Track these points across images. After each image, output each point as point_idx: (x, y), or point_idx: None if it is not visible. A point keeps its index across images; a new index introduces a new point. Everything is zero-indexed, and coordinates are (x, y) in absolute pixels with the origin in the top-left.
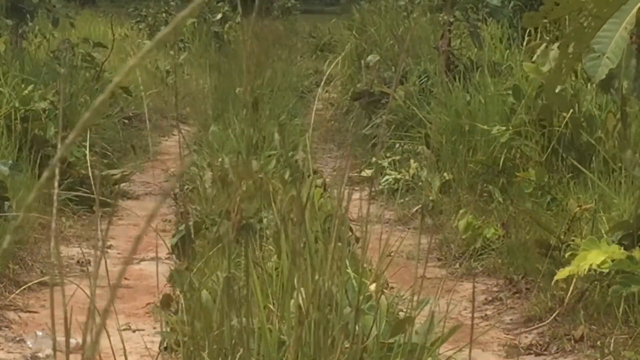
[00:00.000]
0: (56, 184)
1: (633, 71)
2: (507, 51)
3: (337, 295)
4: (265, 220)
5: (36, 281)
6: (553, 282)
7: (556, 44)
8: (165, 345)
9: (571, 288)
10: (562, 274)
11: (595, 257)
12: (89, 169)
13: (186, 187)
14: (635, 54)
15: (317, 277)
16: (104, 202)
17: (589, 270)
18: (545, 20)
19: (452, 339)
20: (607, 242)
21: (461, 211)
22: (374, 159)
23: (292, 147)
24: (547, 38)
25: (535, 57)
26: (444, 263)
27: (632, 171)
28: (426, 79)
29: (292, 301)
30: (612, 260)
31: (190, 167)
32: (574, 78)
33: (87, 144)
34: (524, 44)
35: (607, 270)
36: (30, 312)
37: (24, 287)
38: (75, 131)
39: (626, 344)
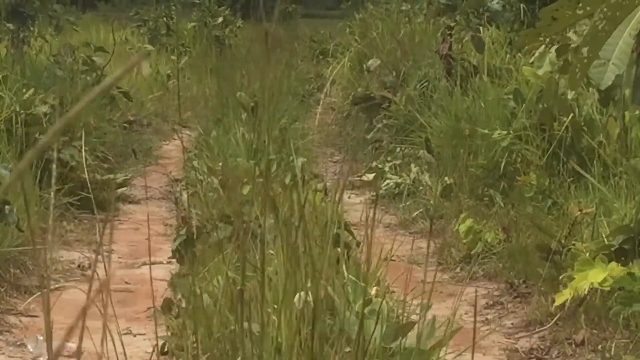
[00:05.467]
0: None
1: (634, 79)
2: (508, 55)
3: (337, 299)
4: (265, 225)
5: (41, 291)
6: (553, 308)
7: (554, 47)
8: (166, 349)
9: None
10: (561, 298)
11: (595, 275)
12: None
13: (187, 191)
14: (637, 62)
15: (316, 281)
16: (104, 206)
17: (589, 287)
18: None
19: (453, 343)
20: (601, 260)
21: (462, 215)
22: (374, 163)
23: (292, 151)
24: (547, 40)
25: (532, 59)
26: (445, 267)
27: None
28: (427, 83)
29: (293, 305)
30: (613, 278)
31: (191, 172)
32: None
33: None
34: (525, 47)
35: (608, 289)
36: (31, 316)
37: (32, 296)
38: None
39: (627, 348)
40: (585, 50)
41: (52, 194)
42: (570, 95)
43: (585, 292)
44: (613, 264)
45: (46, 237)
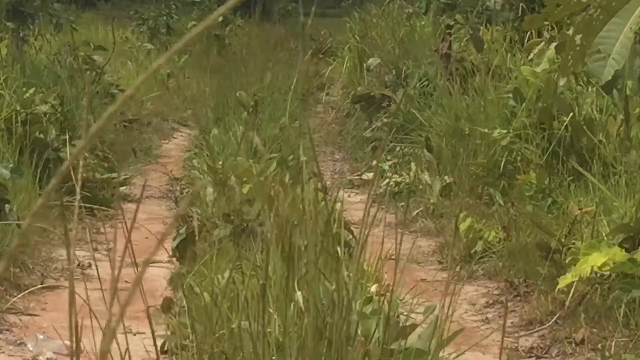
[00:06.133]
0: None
1: (638, 71)
2: (508, 54)
3: (337, 298)
4: (266, 224)
5: (40, 286)
6: (556, 290)
7: (554, 44)
8: (165, 348)
9: (572, 291)
10: (564, 281)
11: (596, 259)
12: (94, 172)
13: (187, 190)
14: None
15: (316, 280)
16: (104, 205)
17: (591, 272)
18: (547, 23)
19: (453, 342)
20: (607, 245)
21: (462, 214)
22: (374, 162)
23: (292, 150)
24: (547, 36)
25: (531, 56)
26: (445, 266)
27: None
28: (427, 82)
29: (292, 305)
30: (614, 263)
31: (191, 170)
32: (573, 81)
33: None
34: (524, 46)
35: (608, 273)
36: (30, 315)
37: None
38: (86, 140)
39: (627, 347)
40: (578, 38)
41: (77, 190)
42: (572, 96)
43: (588, 274)
44: (616, 248)
45: (46, 236)
